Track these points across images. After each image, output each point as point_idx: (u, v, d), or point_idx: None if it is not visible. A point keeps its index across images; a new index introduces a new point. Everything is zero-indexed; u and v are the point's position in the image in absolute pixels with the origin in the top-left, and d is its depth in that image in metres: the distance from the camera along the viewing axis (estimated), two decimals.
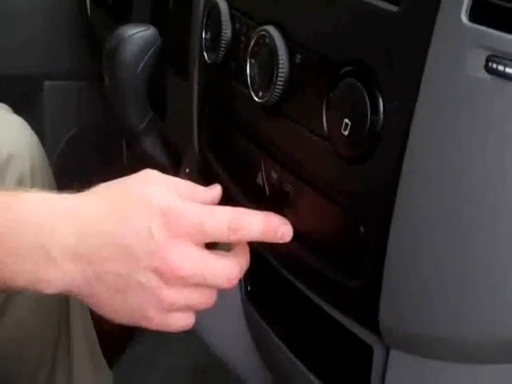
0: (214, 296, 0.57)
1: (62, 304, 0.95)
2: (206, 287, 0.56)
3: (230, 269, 0.56)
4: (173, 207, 0.54)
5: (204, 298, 0.57)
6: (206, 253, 0.55)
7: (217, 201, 0.61)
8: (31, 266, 0.52)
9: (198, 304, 0.57)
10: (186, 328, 0.58)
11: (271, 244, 0.58)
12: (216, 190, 0.62)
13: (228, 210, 0.56)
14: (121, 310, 0.55)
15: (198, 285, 0.55)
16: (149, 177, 0.57)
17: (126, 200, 0.54)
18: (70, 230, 0.53)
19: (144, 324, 0.56)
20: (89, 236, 0.53)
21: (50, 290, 0.54)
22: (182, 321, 0.57)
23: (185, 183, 0.59)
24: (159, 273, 0.53)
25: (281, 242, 0.57)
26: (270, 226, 0.56)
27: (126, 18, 0.94)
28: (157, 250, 0.53)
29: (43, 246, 0.52)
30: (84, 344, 1.00)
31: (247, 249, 0.59)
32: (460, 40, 0.43)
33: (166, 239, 0.53)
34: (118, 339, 1.25)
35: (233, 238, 0.56)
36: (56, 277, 0.53)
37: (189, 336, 0.87)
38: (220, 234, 0.55)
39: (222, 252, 0.57)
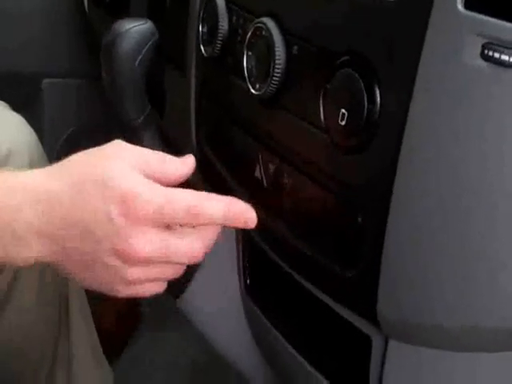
0: (181, 268, 0.58)
1: (62, 300, 0.95)
2: (170, 263, 0.57)
3: (192, 247, 0.56)
4: (131, 191, 0.53)
5: (170, 272, 0.57)
6: (167, 234, 0.55)
7: (188, 175, 0.60)
8: (1, 243, 0.54)
9: (165, 277, 0.58)
10: (156, 293, 0.58)
11: (269, 235, 0.58)
12: (188, 163, 0.60)
13: (189, 195, 0.55)
14: (91, 282, 0.57)
15: (162, 263, 0.56)
16: (114, 152, 0.56)
17: (86, 182, 0.54)
18: (35, 212, 0.54)
19: (114, 294, 0.57)
20: (53, 217, 0.54)
21: (21, 263, 0.56)
22: (150, 290, 0.58)
23: (155, 157, 0.58)
24: (121, 255, 0.54)
25: (245, 227, 0.57)
26: (232, 213, 0.56)
27: (124, 14, 0.94)
28: (117, 235, 0.53)
29: (10, 225, 0.54)
30: (84, 340, 1.00)
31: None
32: (456, 28, 0.43)
33: (126, 224, 0.53)
34: (116, 337, 1.25)
35: (194, 222, 0.56)
36: (25, 254, 0.55)
37: (188, 334, 0.88)
38: (179, 219, 0.55)
39: (186, 229, 0.57)
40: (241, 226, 0.57)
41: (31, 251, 0.55)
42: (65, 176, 0.55)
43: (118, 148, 0.57)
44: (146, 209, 0.53)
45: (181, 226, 0.57)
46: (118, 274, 0.55)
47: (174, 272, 0.57)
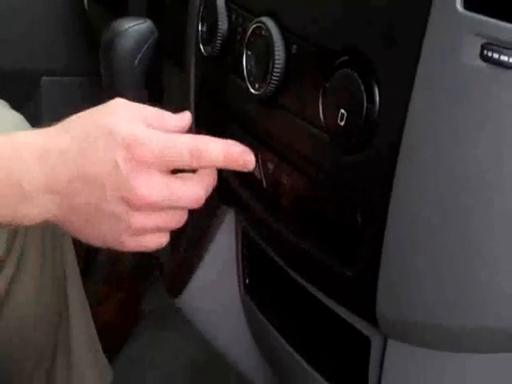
0: (183, 216, 0.59)
1: (61, 299, 0.95)
2: (175, 209, 0.58)
3: (195, 191, 0.58)
4: (135, 137, 0.55)
5: (174, 220, 0.59)
6: (171, 178, 0.57)
7: (186, 129, 0.62)
8: (8, 202, 0.55)
9: (168, 226, 0.59)
10: (159, 247, 0.60)
11: (269, 234, 0.58)
12: (185, 119, 0.62)
13: (190, 138, 0.57)
14: (95, 235, 0.58)
15: (166, 208, 0.57)
16: (115, 106, 0.58)
17: (90, 134, 0.56)
18: (41, 168, 0.55)
19: (118, 247, 0.58)
20: (58, 171, 0.55)
21: (28, 223, 0.57)
22: (154, 241, 0.59)
23: (152, 111, 0.60)
24: (127, 201, 0.55)
25: (244, 170, 0.59)
26: (231, 155, 0.58)
27: (123, 11, 0.94)
28: (123, 180, 0.54)
29: (19, 184, 0.55)
30: (84, 339, 1.00)
31: (213, 168, 0.61)
32: (455, 28, 0.43)
33: (131, 169, 0.55)
34: (116, 335, 1.25)
35: (195, 164, 0.57)
36: (32, 212, 0.56)
37: (188, 334, 0.87)
38: (182, 162, 0.57)
39: (188, 174, 0.59)
40: (239, 167, 0.58)
41: (39, 209, 0.56)
42: (68, 131, 0.57)
43: (118, 104, 0.59)
44: (150, 153, 0.55)
45: (180, 171, 0.58)
46: (124, 222, 0.56)
47: (176, 221, 0.59)
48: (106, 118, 0.56)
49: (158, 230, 0.58)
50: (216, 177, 0.60)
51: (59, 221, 0.58)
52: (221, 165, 0.58)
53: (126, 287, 1.34)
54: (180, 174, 0.58)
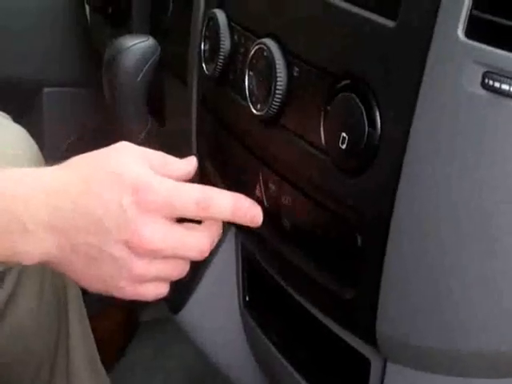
0: (186, 267, 0.58)
1: (61, 312, 0.95)
2: (177, 259, 0.57)
3: (200, 241, 0.57)
4: (143, 182, 0.54)
5: (176, 270, 0.58)
6: (177, 226, 0.56)
7: (192, 175, 0.62)
8: (8, 239, 0.54)
9: (169, 275, 0.58)
10: (159, 297, 0.59)
11: (269, 254, 0.58)
12: (191, 163, 0.62)
13: (198, 189, 0.56)
14: (94, 279, 0.57)
15: (169, 257, 0.56)
16: (122, 149, 0.58)
17: (97, 174, 0.55)
18: (44, 204, 0.54)
19: (117, 293, 0.57)
20: (62, 209, 0.54)
21: (27, 261, 0.56)
22: (154, 291, 0.58)
23: (158, 155, 0.60)
24: (130, 245, 0.54)
25: (252, 225, 0.58)
26: (239, 208, 0.57)
27: (126, 24, 0.94)
28: (128, 224, 0.54)
29: (19, 220, 0.54)
30: (83, 350, 1.00)
31: (219, 220, 0.60)
32: (456, 56, 0.43)
33: (137, 214, 0.54)
34: (113, 348, 1.25)
35: (202, 215, 0.56)
36: (32, 249, 0.55)
37: (186, 342, 0.88)
38: (189, 211, 0.56)
39: (193, 225, 0.58)
40: (247, 222, 0.58)
41: (39, 246, 0.55)
42: (74, 169, 0.56)
43: (124, 148, 0.58)
44: (157, 198, 0.54)
45: (188, 221, 0.57)
46: (124, 266, 0.55)
47: (178, 271, 0.58)
48: (114, 159, 0.56)
49: (159, 279, 0.57)
50: (221, 230, 0.59)
51: (59, 262, 0.56)
52: (228, 217, 0.57)
53: (124, 299, 1.34)
54: (186, 224, 0.57)
